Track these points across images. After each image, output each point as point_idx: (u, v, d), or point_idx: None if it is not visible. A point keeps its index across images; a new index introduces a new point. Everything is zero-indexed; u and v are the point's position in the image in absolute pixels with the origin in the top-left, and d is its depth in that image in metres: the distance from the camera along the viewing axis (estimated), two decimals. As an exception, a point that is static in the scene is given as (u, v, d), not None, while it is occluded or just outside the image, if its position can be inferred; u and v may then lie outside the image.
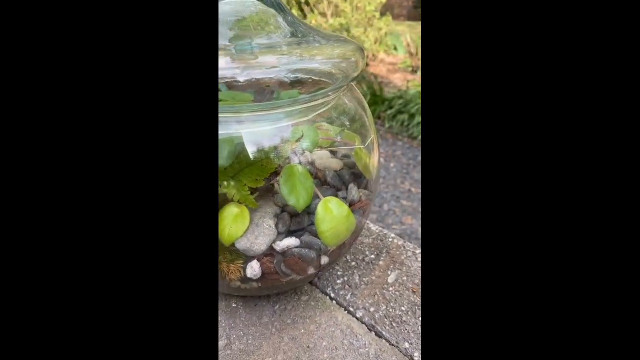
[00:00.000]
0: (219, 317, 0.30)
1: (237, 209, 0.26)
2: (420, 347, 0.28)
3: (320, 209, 0.26)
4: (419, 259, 0.36)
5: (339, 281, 0.34)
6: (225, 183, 0.26)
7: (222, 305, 0.31)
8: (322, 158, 0.31)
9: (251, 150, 0.25)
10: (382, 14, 2.76)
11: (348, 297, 0.32)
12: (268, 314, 0.30)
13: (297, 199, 0.25)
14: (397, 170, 1.82)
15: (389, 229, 1.40)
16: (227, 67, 0.24)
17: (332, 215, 0.26)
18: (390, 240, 0.39)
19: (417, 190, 1.72)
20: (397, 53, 2.75)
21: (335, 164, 0.32)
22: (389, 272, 0.34)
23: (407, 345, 0.28)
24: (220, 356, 0.27)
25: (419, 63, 2.29)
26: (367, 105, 0.32)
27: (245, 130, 0.25)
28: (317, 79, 0.26)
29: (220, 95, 0.26)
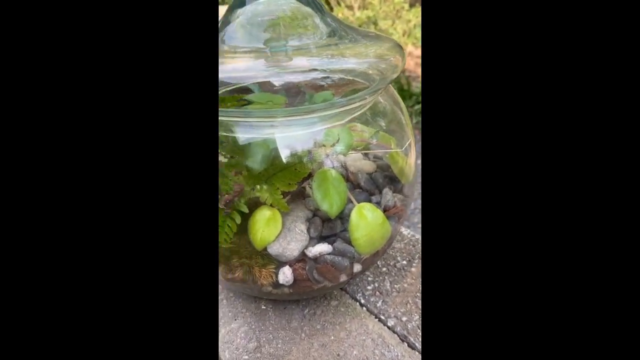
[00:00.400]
0: (249, 319, 0.30)
1: (269, 212, 0.26)
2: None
3: (354, 216, 0.25)
4: (454, 267, 0.35)
5: (369, 287, 0.33)
6: (258, 186, 0.25)
7: (251, 307, 0.31)
8: (355, 160, 0.30)
9: (284, 154, 0.25)
10: (411, 5, 2.67)
11: (379, 304, 0.31)
12: (297, 318, 0.30)
13: (330, 205, 0.24)
14: (423, 167, 1.77)
15: (415, 227, 1.37)
16: (260, 69, 0.23)
17: (366, 222, 0.25)
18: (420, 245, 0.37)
19: (444, 188, 1.66)
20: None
21: (368, 166, 0.31)
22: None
23: (441, 358, 0.26)
24: (250, 359, 0.27)
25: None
26: (403, 104, 0.31)
27: (278, 134, 0.24)
28: (352, 78, 0.25)
29: (253, 97, 0.26)
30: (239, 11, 0.25)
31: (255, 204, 0.26)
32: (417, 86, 2.28)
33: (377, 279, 0.33)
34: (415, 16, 2.68)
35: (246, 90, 0.26)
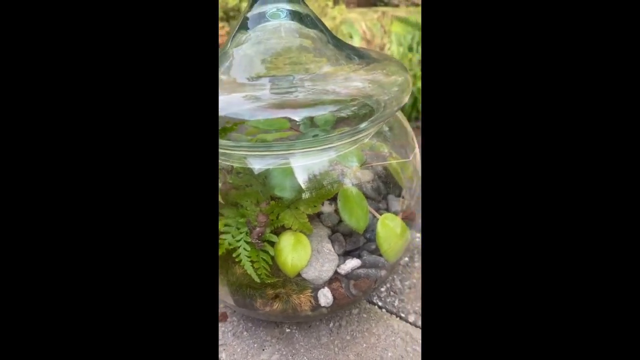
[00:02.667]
0: (278, 346, 0.30)
1: (293, 237, 0.26)
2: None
3: (380, 228, 0.26)
4: (449, 255, 0.38)
5: (382, 289, 0.34)
6: (282, 214, 0.25)
7: (275, 333, 0.31)
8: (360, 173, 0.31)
9: (303, 180, 0.25)
10: (335, 3, 2.75)
11: (396, 304, 0.33)
12: (325, 334, 0.31)
13: (357, 222, 0.25)
14: (369, 159, 1.85)
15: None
16: (264, 103, 0.22)
17: (391, 232, 0.26)
18: (418, 239, 0.40)
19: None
20: (353, 41, 2.76)
21: (367, 175, 0.32)
22: (427, 273, 0.36)
23: (464, 341, 0.29)
24: (291, 385, 0.27)
25: (377, 50, 2.33)
26: (401, 112, 0.32)
27: (296, 162, 0.24)
28: (364, 101, 0.25)
29: (256, 123, 0.25)
30: (243, 38, 0.24)
31: (274, 231, 0.25)
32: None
33: (387, 280, 0.35)
34: (340, 13, 2.77)
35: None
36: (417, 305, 0.33)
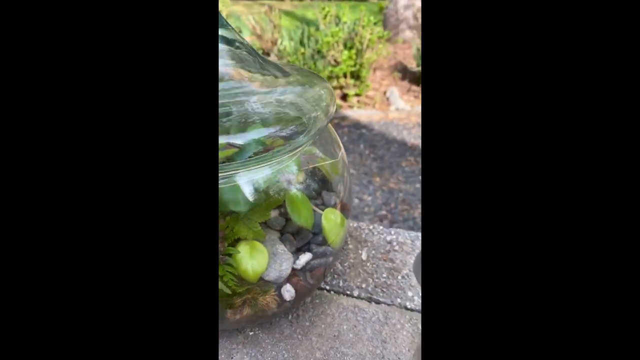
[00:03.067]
0: (245, 349, 0.31)
1: (248, 245, 0.28)
2: (408, 298, 0.36)
3: (324, 222, 0.30)
4: (375, 233, 0.44)
5: (327, 274, 0.39)
6: (236, 226, 0.26)
7: (239, 339, 0.32)
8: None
9: (249, 193, 0.27)
10: (217, -5, 2.63)
11: (341, 284, 0.38)
12: (287, 327, 0.33)
13: (306, 220, 0.29)
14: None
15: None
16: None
17: (333, 223, 0.30)
18: (350, 225, 0.45)
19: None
20: (243, 36, 2.70)
21: (300, 177, 0.36)
22: (360, 252, 0.42)
23: (399, 300, 0.36)
24: (266, 380, 0.29)
25: (269, 45, 2.34)
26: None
27: (241, 179, 0.26)
28: (299, 118, 0.27)
29: None
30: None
31: (228, 243, 0.27)
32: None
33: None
34: (224, 6, 2.66)
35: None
36: (358, 281, 0.38)
